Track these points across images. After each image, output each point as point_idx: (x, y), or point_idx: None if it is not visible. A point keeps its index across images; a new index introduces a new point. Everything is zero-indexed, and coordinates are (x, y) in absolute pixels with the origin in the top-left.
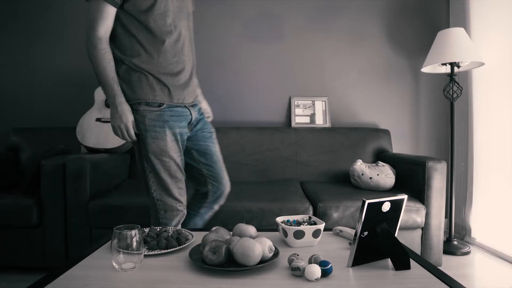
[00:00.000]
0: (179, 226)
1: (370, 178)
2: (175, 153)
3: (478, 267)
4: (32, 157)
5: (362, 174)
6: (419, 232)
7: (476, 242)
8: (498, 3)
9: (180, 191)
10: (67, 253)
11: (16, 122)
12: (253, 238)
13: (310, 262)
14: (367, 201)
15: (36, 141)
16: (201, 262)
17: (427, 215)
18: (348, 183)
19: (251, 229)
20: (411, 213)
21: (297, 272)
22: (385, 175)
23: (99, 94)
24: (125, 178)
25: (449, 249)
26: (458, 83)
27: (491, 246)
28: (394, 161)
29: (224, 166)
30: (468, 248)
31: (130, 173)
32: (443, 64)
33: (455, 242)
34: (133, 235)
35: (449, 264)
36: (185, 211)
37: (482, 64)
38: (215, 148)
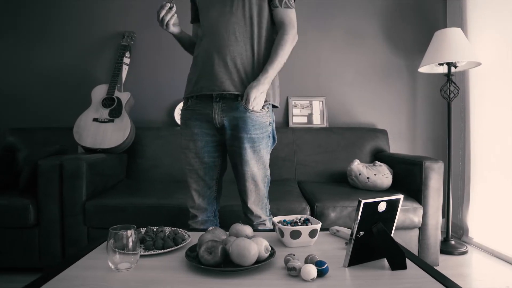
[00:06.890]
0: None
1: (368, 178)
2: None
3: (475, 266)
4: (28, 157)
5: (360, 174)
6: (416, 232)
7: (473, 241)
8: (495, 3)
9: None
10: (64, 254)
11: (12, 122)
12: (249, 238)
13: (306, 262)
14: (363, 201)
15: (32, 141)
16: (197, 262)
17: (424, 215)
18: (345, 183)
19: (248, 229)
20: (408, 213)
21: (293, 272)
22: (382, 175)
23: (96, 94)
24: (122, 178)
25: (447, 248)
26: (455, 83)
27: (488, 245)
28: (392, 161)
29: None
30: (465, 247)
31: (128, 173)
32: (440, 64)
33: (453, 242)
34: (129, 235)
35: (446, 264)
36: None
37: (479, 64)
38: None
